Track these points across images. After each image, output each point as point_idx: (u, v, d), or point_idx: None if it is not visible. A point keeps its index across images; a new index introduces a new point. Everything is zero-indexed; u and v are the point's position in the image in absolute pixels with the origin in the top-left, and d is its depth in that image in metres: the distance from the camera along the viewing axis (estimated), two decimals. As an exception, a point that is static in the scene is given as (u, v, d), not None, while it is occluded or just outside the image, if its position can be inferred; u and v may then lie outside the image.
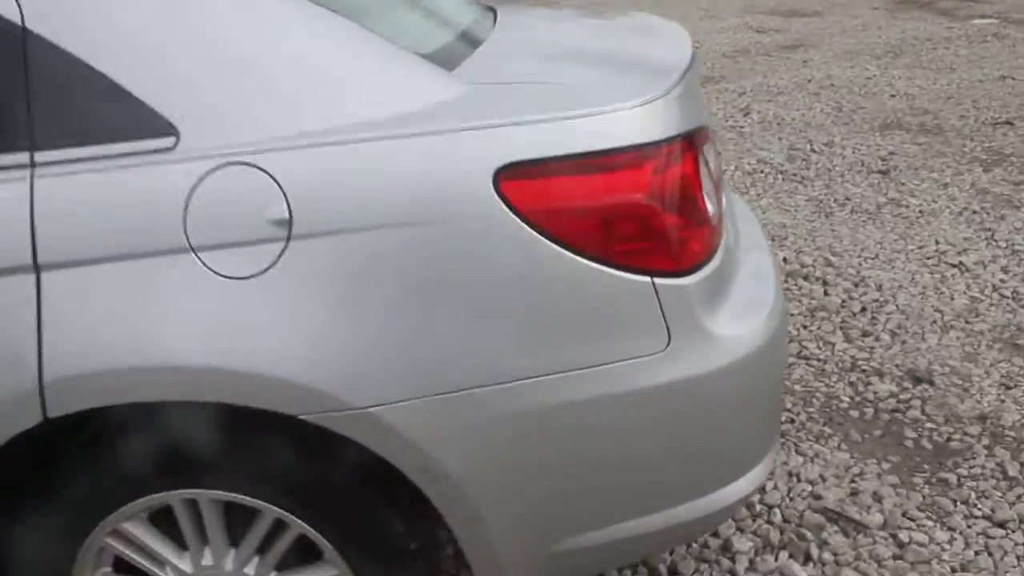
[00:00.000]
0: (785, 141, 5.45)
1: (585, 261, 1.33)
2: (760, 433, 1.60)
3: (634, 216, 1.36)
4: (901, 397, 2.70)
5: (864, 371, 2.85)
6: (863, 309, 3.24)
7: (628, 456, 1.43)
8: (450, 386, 1.32)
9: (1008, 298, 3.29)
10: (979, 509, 2.20)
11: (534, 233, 1.31)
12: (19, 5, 1.30)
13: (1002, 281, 3.42)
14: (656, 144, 1.38)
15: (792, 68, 7.67)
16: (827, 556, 2.06)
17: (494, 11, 2.01)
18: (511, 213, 1.31)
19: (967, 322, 3.12)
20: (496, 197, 1.30)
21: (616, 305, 1.36)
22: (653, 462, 1.45)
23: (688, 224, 1.42)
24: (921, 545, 2.08)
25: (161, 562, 1.50)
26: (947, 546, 2.08)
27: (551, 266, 1.32)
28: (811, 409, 2.66)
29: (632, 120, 1.38)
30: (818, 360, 2.92)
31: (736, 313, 1.50)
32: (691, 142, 1.45)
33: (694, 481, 1.50)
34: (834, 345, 3.01)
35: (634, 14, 2.19)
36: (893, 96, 6.48)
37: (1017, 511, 2.19)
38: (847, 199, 4.42)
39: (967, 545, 2.08)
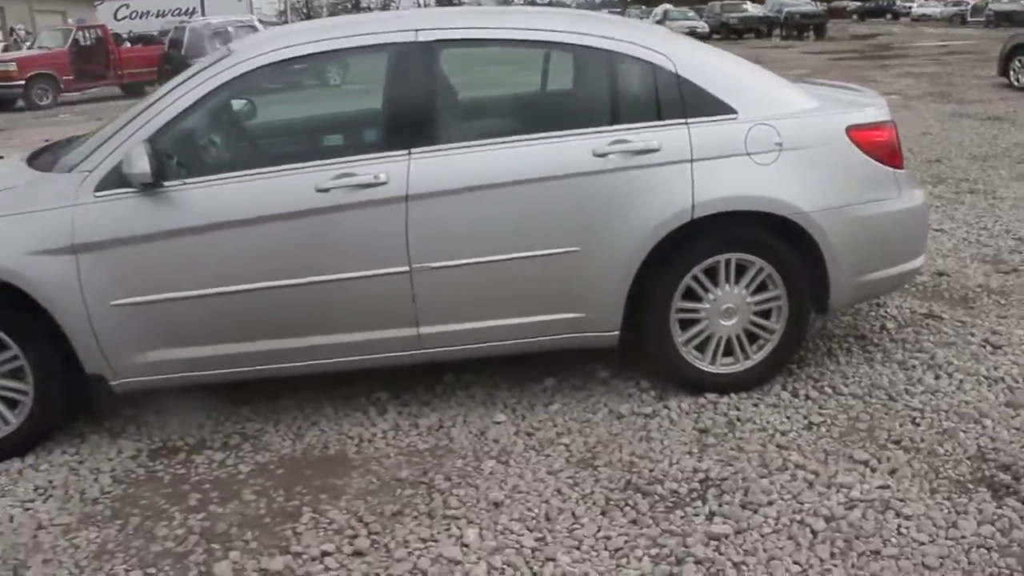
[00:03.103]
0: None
1: (875, 162, 3.65)
2: (923, 237, 3.98)
3: (888, 146, 3.70)
4: (934, 283, 5.08)
5: (909, 274, 5.22)
6: (895, 250, 5.64)
7: (887, 238, 3.73)
8: (832, 205, 3.58)
9: (974, 243, 5.77)
10: (982, 319, 4.55)
11: (859, 151, 3.63)
12: (675, 65, 3.57)
13: (967, 236, 5.92)
14: (888, 120, 3.75)
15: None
16: (931, 326, 4.38)
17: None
18: (852, 143, 3.62)
19: (956, 253, 5.58)
20: (846, 137, 3.62)
21: (884, 178, 3.69)
22: (895, 240, 3.76)
23: (900, 152, 3.78)
24: (964, 320, 4.43)
25: (706, 291, 3.67)
26: (977, 323, 4.42)
27: (865, 163, 3.64)
28: (890, 287, 5.01)
29: (881, 110, 3.76)
30: (883, 270, 5.29)
31: (915, 189, 3.85)
32: (893, 122, 3.81)
33: (904, 252, 3.82)
34: (888, 264, 5.39)
35: (845, 84, 4.62)
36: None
37: (997, 318, 4.55)
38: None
39: (976, 329, 4.42)
